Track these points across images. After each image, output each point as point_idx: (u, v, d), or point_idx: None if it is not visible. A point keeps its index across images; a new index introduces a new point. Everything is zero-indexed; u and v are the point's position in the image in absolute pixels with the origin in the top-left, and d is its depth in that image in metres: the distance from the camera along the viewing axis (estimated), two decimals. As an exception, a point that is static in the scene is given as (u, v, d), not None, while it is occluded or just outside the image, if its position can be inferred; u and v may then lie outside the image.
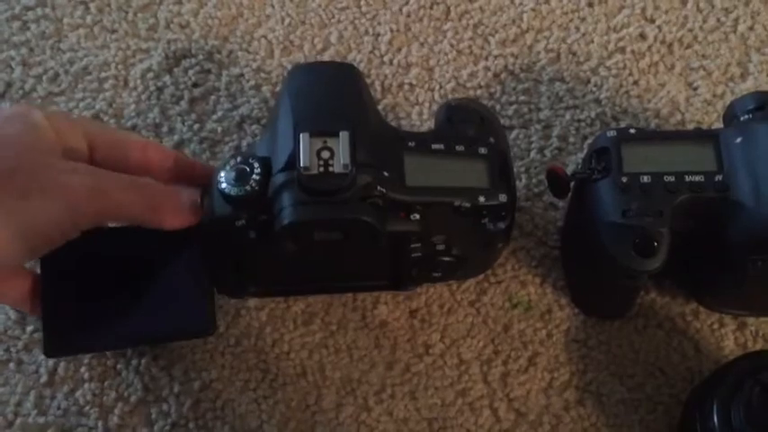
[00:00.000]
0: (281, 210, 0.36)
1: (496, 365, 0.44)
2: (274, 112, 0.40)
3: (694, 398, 0.40)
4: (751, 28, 0.54)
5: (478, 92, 0.52)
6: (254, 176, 0.37)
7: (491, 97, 0.52)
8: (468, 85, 0.52)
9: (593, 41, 0.54)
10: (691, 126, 0.51)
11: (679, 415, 0.42)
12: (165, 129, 0.49)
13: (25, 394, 0.41)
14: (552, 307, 0.45)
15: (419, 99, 0.52)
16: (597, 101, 0.52)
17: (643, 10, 0.55)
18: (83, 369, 0.42)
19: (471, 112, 0.42)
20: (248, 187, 0.37)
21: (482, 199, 0.39)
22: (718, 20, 0.55)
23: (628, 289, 0.41)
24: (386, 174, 0.37)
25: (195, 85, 0.51)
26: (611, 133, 0.40)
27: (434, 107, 0.51)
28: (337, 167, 0.36)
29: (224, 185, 0.37)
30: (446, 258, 0.41)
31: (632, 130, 0.41)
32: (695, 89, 0.52)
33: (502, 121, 0.51)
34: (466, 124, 0.41)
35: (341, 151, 0.36)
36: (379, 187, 0.37)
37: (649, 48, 0.54)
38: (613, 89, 0.52)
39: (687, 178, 0.38)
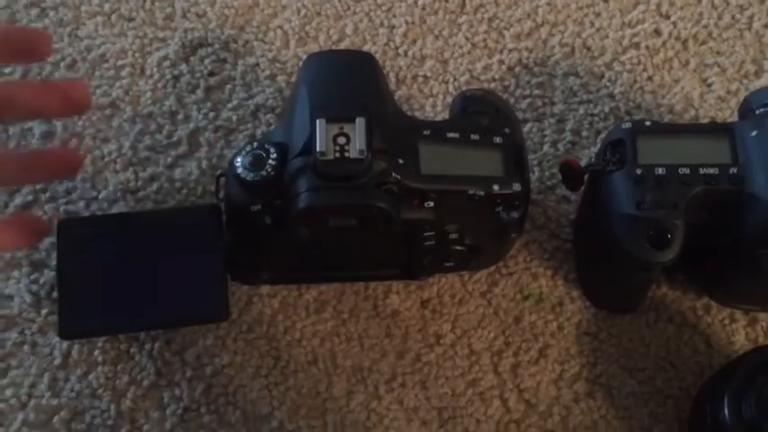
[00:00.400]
0: (296, 195, 0.36)
1: (507, 356, 0.44)
2: (291, 99, 0.40)
3: (705, 391, 0.40)
4: (766, 25, 0.54)
5: (492, 85, 0.52)
6: (269, 162, 0.37)
7: (505, 90, 0.52)
8: (483, 78, 0.52)
9: (607, 36, 0.54)
10: (705, 121, 0.51)
11: (688, 409, 0.42)
12: (180, 116, 0.50)
13: (39, 376, 0.41)
14: (563, 299, 0.45)
15: (433, 91, 0.52)
16: (611, 95, 0.52)
17: (658, 6, 0.55)
18: (96, 352, 0.42)
19: (487, 102, 0.42)
20: (264, 172, 0.37)
21: (496, 187, 0.39)
22: (733, 17, 0.54)
23: (640, 282, 0.41)
24: (401, 161, 0.38)
25: (211, 73, 0.51)
26: (627, 125, 0.40)
27: (448, 99, 0.51)
28: (353, 153, 0.36)
29: (240, 170, 0.37)
30: (459, 248, 0.41)
31: (648, 123, 0.41)
32: (709, 85, 0.52)
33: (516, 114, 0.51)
34: (481, 114, 0.41)
35: (357, 137, 0.36)
36: (394, 174, 0.37)
37: (664, 44, 0.54)
38: (627, 84, 0.52)
39: (702, 171, 0.38)
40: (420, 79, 0.52)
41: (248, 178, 0.37)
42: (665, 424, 0.42)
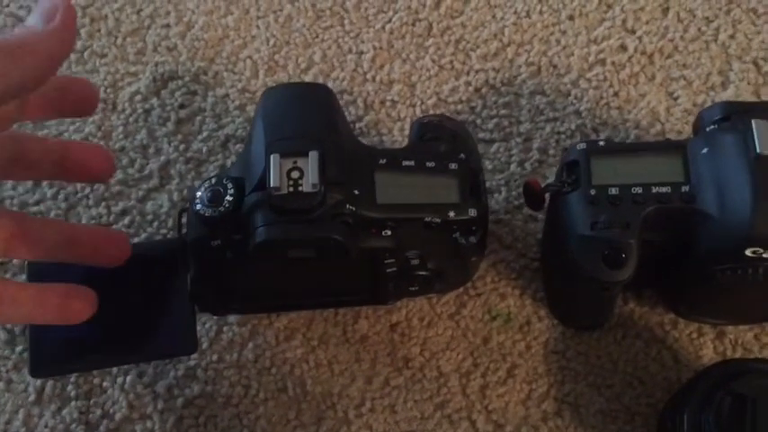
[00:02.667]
0: (253, 229, 0.37)
1: (475, 378, 0.44)
2: (249, 134, 0.41)
3: (668, 408, 0.40)
4: (732, 36, 0.55)
5: (459, 106, 0.53)
6: (227, 197, 0.38)
7: (472, 111, 0.52)
8: (450, 100, 0.53)
9: (573, 54, 0.54)
10: (671, 136, 0.51)
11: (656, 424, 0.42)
12: (152, 150, 0.51)
13: (14, 413, 0.42)
14: (531, 319, 0.46)
15: (401, 115, 0.52)
16: (577, 113, 0.52)
17: (624, 21, 0.55)
18: (69, 387, 0.43)
19: (443, 128, 0.42)
20: (222, 208, 0.38)
21: (452, 214, 0.39)
22: (699, 29, 0.55)
23: (602, 300, 0.42)
24: (356, 191, 0.38)
25: (182, 106, 0.52)
26: (581, 146, 0.41)
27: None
28: (307, 187, 0.37)
29: (199, 206, 0.38)
30: (422, 272, 0.42)
31: (602, 143, 0.41)
32: (676, 99, 0.53)
33: (482, 134, 0.52)
34: (437, 141, 0.41)
35: (310, 171, 0.37)
36: (348, 205, 0.38)
37: (630, 59, 0.54)
38: (593, 101, 0.53)
39: (654, 189, 0.38)
40: (388, 104, 0.53)
41: (207, 214, 0.38)
42: (634, 440, 0.43)
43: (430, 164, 0.40)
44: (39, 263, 0.43)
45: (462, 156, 0.41)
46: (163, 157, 0.50)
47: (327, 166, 0.37)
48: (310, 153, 0.37)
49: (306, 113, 0.40)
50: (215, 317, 0.44)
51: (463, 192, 0.40)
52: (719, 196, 0.37)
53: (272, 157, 0.37)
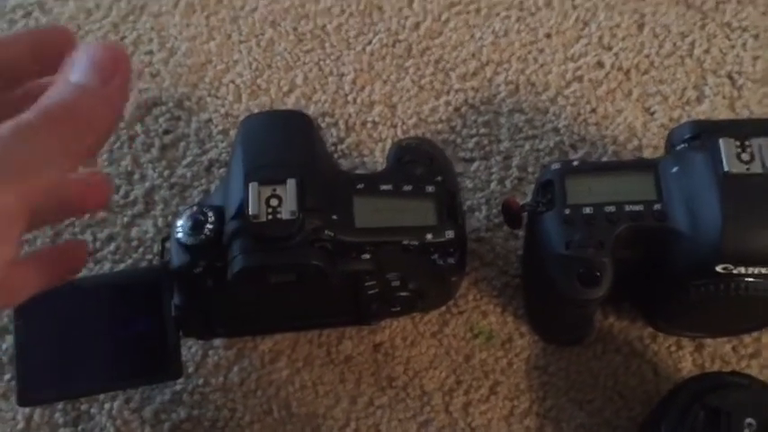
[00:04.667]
0: (233, 257, 0.38)
1: (458, 395, 0.45)
2: (229, 162, 0.42)
3: (647, 422, 0.41)
4: (707, 51, 0.55)
5: (439, 126, 0.53)
6: (208, 225, 0.39)
7: (452, 131, 0.53)
8: (430, 119, 0.54)
9: (551, 72, 0.55)
10: (648, 151, 0.52)
11: (636, 439, 0.42)
12: (136, 176, 0.51)
13: (4, 441, 0.43)
14: (513, 335, 0.46)
15: (382, 136, 0.53)
16: (556, 130, 0.53)
17: (600, 38, 0.56)
18: (57, 415, 0.43)
19: (420, 151, 0.43)
20: (203, 236, 0.38)
21: (429, 236, 0.40)
22: (675, 44, 0.56)
23: (580, 316, 0.43)
24: (335, 217, 0.39)
25: (166, 132, 0.53)
26: (556, 166, 0.42)
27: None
28: (285, 214, 0.37)
29: (180, 235, 0.39)
30: (403, 293, 0.42)
31: (575, 163, 0.42)
32: (652, 114, 0.53)
33: (463, 153, 0.52)
34: (415, 164, 0.42)
35: (288, 198, 0.38)
36: (327, 231, 0.38)
37: (606, 75, 0.55)
38: (571, 117, 0.53)
39: (627, 208, 0.39)
40: (369, 125, 0.54)
41: (188, 242, 0.39)
42: (615, 454, 0.43)
43: (407, 187, 0.41)
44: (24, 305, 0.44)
45: (439, 178, 0.42)
46: (147, 184, 0.51)
47: (306, 193, 0.38)
48: (288, 180, 0.38)
49: (284, 141, 0.40)
50: (200, 341, 0.45)
51: (440, 214, 0.41)
52: (690, 214, 0.38)
53: (250, 185, 0.38)
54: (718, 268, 0.37)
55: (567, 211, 0.40)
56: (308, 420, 0.44)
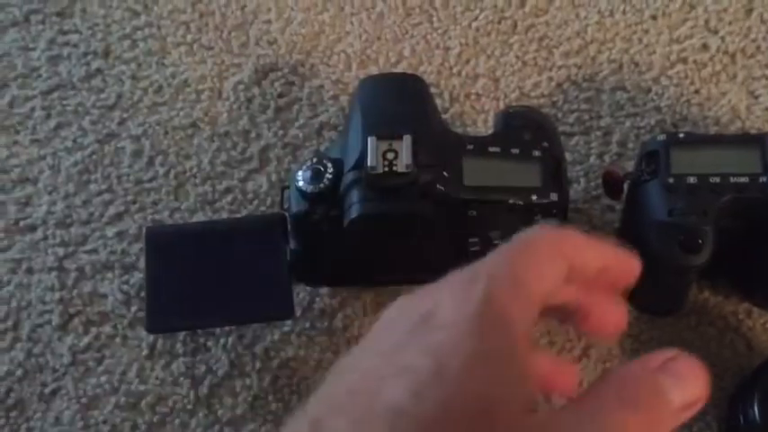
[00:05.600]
0: (350, 205, 0.40)
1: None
2: (347, 118, 0.44)
3: (738, 391, 0.42)
4: (816, 37, 0.55)
5: (541, 101, 0.55)
6: (327, 175, 0.42)
7: (553, 106, 0.55)
8: (532, 94, 0.55)
9: (655, 52, 0.56)
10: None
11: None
12: (252, 135, 0.55)
13: (129, 365, 0.47)
14: (606, 303, 0.48)
15: (485, 108, 0.55)
16: (657, 109, 0.54)
17: (706, 22, 0.57)
18: (178, 345, 0.47)
19: (528, 118, 0.45)
20: (322, 185, 0.41)
21: (534, 197, 0.42)
22: (783, 29, 0.56)
23: (677, 285, 0.44)
24: (445, 173, 0.41)
25: (280, 95, 0.56)
26: (661, 137, 0.43)
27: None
28: (400, 167, 0.40)
29: (301, 183, 0.42)
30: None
31: (681, 135, 0.43)
32: (757, 97, 0.54)
33: (563, 128, 0.54)
34: (522, 129, 0.44)
35: (404, 153, 0.40)
36: (438, 185, 0.41)
37: (711, 58, 0.55)
38: (674, 98, 0.54)
39: (732, 180, 0.40)
40: (473, 97, 0.56)
41: (308, 190, 0.41)
42: (704, 423, 0.44)
43: (514, 150, 0.43)
44: (155, 227, 0.48)
45: (545, 144, 0.43)
46: (263, 142, 0.54)
47: (420, 149, 0.40)
48: (404, 136, 0.40)
49: (401, 100, 0.43)
50: (308, 288, 0.48)
51: (545, 177, 0.42)
52: None
53: (369, 138, 0.40)
54: None
55: (671, 180, 0.41)
56: (405, 368, 0.47)
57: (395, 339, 0.25)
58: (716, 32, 0.56)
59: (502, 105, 0.55)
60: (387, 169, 0.40)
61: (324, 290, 0.49)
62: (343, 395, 0.24)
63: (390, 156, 0.40)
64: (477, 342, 0.23)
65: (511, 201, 0.42)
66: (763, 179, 0.40)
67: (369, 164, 0.40)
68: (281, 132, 0.55)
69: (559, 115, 0.54)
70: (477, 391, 0.23)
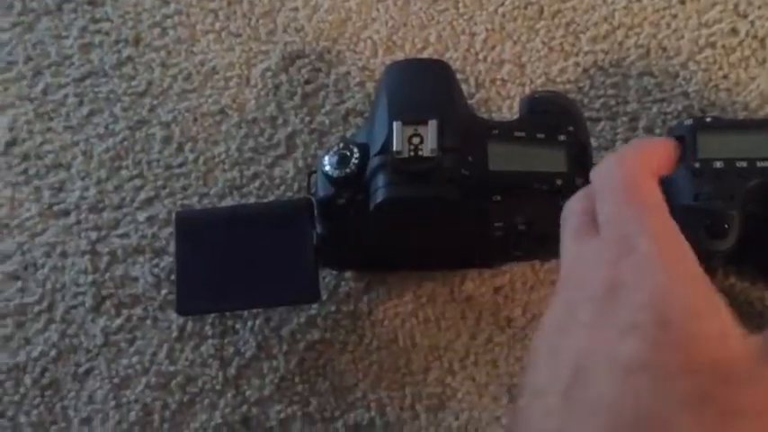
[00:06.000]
0: (375, 189, 0.41)
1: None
2: (373, 103, 0.45)
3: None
4: None
5: (568, 86, 0.55)
6: (353, 160, 0.42)
7: (579, 91, 0.55)
8: (558, 80, 0.55)
9: (683, 37, 0.56)
10: (781, 118, 0.52)
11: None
12: (280, 121, 0.56)
13: (159, 346, 0.48)
14: (631, 288, 0.48)
15: (510, 93, 0.55)
16: (685, 94, 0.53)
17: (736, 6, 0.56)
18: (207, 327, 0.48)
19: (553, 103, 0.45)
20: (348, 170, 0.42)
21: (559, 182, 0.42)
22: (815, 13, 0.55)
23: (703, 270, 0.43)
24: (470, 158, 0.42)
25: (307, 82, 0.57)
26: (688, 122, 0.43)
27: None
28: (426, 152, 0.40)
29: (327, 168, 0.42)
30: (528, 237, 0.44)
31: (708, 119, 0.43)
32: (787, 83, 0.53)
33: (589, 113, 0.54)
34: (547, 114, 0.44)
35: (429, 137, 0.41)
36: (463, 170, 0.41)
37: (741, 43, 0.55)
38: (702, 83, 0.54)
39: (759, 164, 0.40)
40: (498, 82, 0.56)
41: (334, 175, 0.42)
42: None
43: (540, 135, 0.43)
44: (184, 212, 0.49)
45: (571, 128, 0.43)
46: (290, 128, 0.55)
47: (445, 134, 0.41)
48: (430, 121, 0.41)
49: (426, 86, 0.43)
50: (334, 272, 0.49)
51: (571, 162, 0.42)
52: None
53: (395, 123, 0.41)
54: None
55: (698, 165, 0.41)
56: (430, 351, 0.47)
57: (592, 309, 0.26)
58: (745, 17, 0.56)
59: (528, 91, 0.55)
60: (412, 154, 0.40)
61: (349, 274, 0.49)
62: (571, 375, 0.25)
63: (416, 140, 0.41)
64: (672, 276, 0.26)
65: (536, 186, 0.42)
66: None
67: (395, 148, 0.40)
68: (307, 119, 0.55)
69: (585, 101, 0.54)
70: (704, 329, 0.25)
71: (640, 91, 0.54)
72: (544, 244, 0.45)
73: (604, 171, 0.31)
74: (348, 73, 0.57)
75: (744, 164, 0.40)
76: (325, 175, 0.42)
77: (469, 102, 0.55)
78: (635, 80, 0.54)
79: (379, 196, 0.40)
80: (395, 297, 0.49)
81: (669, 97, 0.53)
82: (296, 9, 0.60)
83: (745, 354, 0.25)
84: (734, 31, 0.55)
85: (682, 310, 0.26)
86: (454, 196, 0.40)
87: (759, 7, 0.56)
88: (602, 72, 0.55)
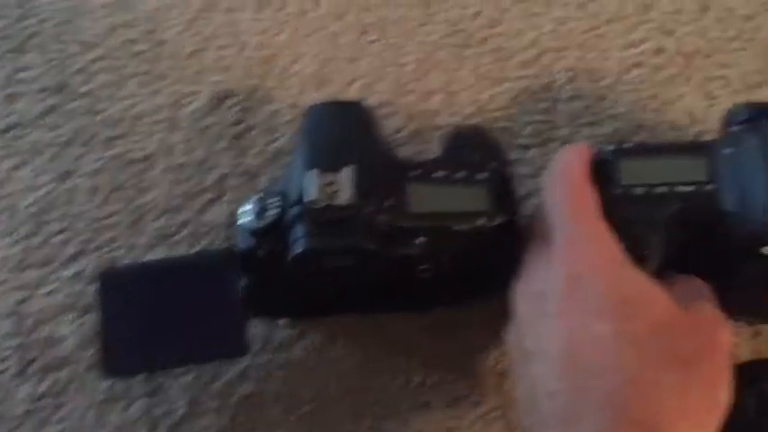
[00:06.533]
0: (293, 241, 0.40)
1: (510, 379, 0.46)
2: (293, 149, 0.44)
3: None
4: (773, 33, 0.54)
5: (498, 114, 0.55)
6: (271, 211, 0.41)
7: (510, 118, 0.54)
8: (488, 107, 0.55)
9: (610, 58, 0.55)
10: (709, 136, 0.51)
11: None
12: (209, 164, 0.54)
13: (86, 410, 0.46)
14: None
15: (441, 124, 0.55)
16: (614, 117, 0.53)
17: (662, 23, 0.56)
18: (135, 387, 0.47)
19: (473, 138, 0.44)
20: (266, 220, 0.41)
21: (481, 222, 0.41)
22: (739, 28, 0.55)
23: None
24: (390, 202, 0.41)
25: (237, 122, 0.56)
26: (610, 148, 0.42)
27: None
28: (342, 200, 0.40)
29: (246, 219, 0.42)
30: (456, 279, 0.44)
31: (630, 145, 0.43)
32: (714, 99, 0.53)
33: (520, 140, 0.53)
34: (468, 150, 0.44)
35: (345, 184, 0.40)
36: (382, 216, 0.40)
37: (668, 61, 0.55)
38: (631, 104, 0.54)
39: (678, 189, 0.40)
40: (429, 113, 0.55)
41: (252, 227, 0.41)
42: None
43: (460, 174, 0.42)
44: (107, 269, 0.48)
45: (493, 165, 0.43)
46: (219, 172, 0.54)
47: (362, 180, 0.40)
48: (346, 168, 0.40)
49: (343, 130, 0.42)
50: (266, 321, 0.48)
51: (492, 200, 0.42)
52: (741, 195, 0.38)
53: (309, 172, 0.40)
54: (764, 251, 0.37)
55: (619, 191, 0.40)
56: (363, 395, 0.46)
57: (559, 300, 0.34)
58: (671, 34, 0.56)
59: (459, 120, 0.55)
60: (328, 203, 0.39)
61: (283, 321, 0.48)
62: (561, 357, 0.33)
63: (332, 188, 0.40)
64: (617, 266, 0.35)
65: (458, 227, 0.41)
66: (708, 187, 0.39)
67: (310, 198, 0.40)
68: (237, 161, 0.54)
69: (516, 128, 0.54)
70: (651, 299, 0.34)
71: (571, 115, 0.54)
72: (473, 283, 0.44)
73: (549, 183, 0.38)
74: (278, 111, 0.56)
75: (664, 189, 0.40)
76: (244, 226, 0.42)
77: (400, 134, 0.55)
78: (565, 104, 0.54)
79: (297, 248, 0.40)
80: (327, 343, 0.48)
81: (599, 120, 0.53)
82: (224, 47, 0.59)
83: (677, 311, 0.34)
84: (660, 50, 0.55)
85: (635, 290, 0.34)
86: (373, 244, 0.39)
87: (685, 23, 0.56)
88: (532, 98, 0.55)
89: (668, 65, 0.54)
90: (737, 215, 0.38)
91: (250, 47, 0.59)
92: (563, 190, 0.37)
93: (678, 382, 0.31)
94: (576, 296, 0.33)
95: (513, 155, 0.52)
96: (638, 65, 0.55)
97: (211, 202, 0.53)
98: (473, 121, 0.54)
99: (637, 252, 0.39)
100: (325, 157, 0.41)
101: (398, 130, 0.55)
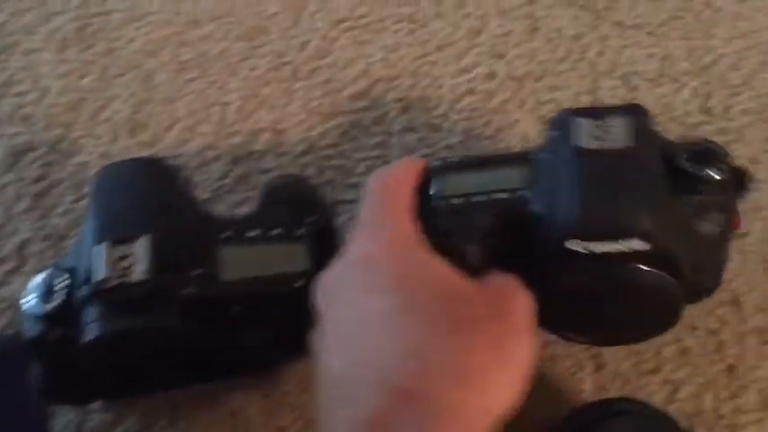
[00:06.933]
0: (84, 325, 0.35)
1: None
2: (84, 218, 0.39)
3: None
4: (600, 53, 0.54)
5: (330, 151, 0.51)
6: (59, 291, 0.36)
7: (342, 155, 0.51)
8: (320, 144, 0.52)
9: (443, 86, 0.53)
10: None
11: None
12: (8, 229, 0.48)
13: None
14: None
15: (270, 166, 0.51)
16: (449, 147, 0.51)
17: (492, 47, 0.55)
18: None
19: (290, 190, 0.41)
20: (52, 303, 0.36)
21: (300, 283, 0.38)
22: (568, 49, 0.54)
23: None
24: (197, 272, 0.36)
25: (39, 179, 0.50)
26: (435, 163, 0.40)
27: (288, 172, 0.50)
28: (137, 276, 0.35)
29: (32, 302, 0.36)
30: (284, 342, 0.40)
31: (454, 159, 0.41)
32: (546, 122, 0.52)
33: (354, 179, 0.50)
34: (284, 205, 0.40)
35: (141, 257, 0.35)
36: (187, 288, 0.36)
37: (500, 86, 0.53)
38: (465, 133, 0.52)
39: (494, 196, 0.38)
40: (256, 155, 0.51)
41: (38, 311, 0.36)
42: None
43: (276, 231, 0.39)
44: None
45: (311, 218, 0.39)
46: (20, 236, 0.48)
47: (161, 250, 0.36)
48: (140, 238, 0.36)
49: (138, 194, 0.38)
50: (76, 407, 0.42)
51: (313, 257, 0.38)
52: (550, 196, 0.37)
53: (96, 247, 0.35)
54: (568, 245, 0.35)
55: (438, 203, 0.38)
56: (195, 481, 0.42)
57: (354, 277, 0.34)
58: (502, 57, 0.54)
59: (289, 160, 0.51)
60: (120, 280, 0.35)
61: (95, 405, 0.43)
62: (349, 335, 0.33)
63: (126, 263, 0.35)
64: (410, 252, 0.34)
65: (275, 290, 0.38)
66: (522, 193, 0.38)
67: (99, 276, 0.35)
68: (40, 223, 0.49)
69: (348, 165, 0.51)
70: (437, 272, 0.34)
71: (404, 149, 0.51)
72: (300, 346, 0.41)
73: (371, 183, 0.37)
74: (86, 163, 0.51)
75: (481, 197, 0.38)
76: (30, 310, 0.36)
77: (225, 180, 0.50)
78: (398, 137, 0.51)
79: (88, 334, 0.35)
80: (149, 425, 0.43)
81: (433, 152, 0.51)
82: (22, 94, 0.53)
83: (467, 282, 0.33)
84: (492, 75, 0.54)
85: (424, 266, 0.33)
86: (173, 322, 0.35)
87: (515, 45, 0.55)
88: (365, 132, 0.52)
89: (500, 90, 0.53)
90: (546, 216, 0.36)
91: (53, 92, 0.53)
92: (380, 190, 0.37)
93: (464, 342, 0.31)
94: (365, 277, 0.33)
95: (346, 195, 0.49)
96: (470, 92, 0.53)
97: (11, 273, 0.47)
98: (304, 161, 0.51)
99: (456, 260, 0.37)
100: (116, 227, 0.36)
101: (223, 176, 0.50)
